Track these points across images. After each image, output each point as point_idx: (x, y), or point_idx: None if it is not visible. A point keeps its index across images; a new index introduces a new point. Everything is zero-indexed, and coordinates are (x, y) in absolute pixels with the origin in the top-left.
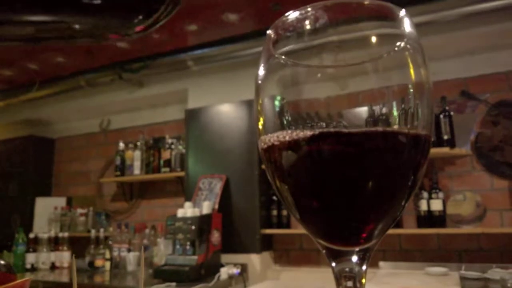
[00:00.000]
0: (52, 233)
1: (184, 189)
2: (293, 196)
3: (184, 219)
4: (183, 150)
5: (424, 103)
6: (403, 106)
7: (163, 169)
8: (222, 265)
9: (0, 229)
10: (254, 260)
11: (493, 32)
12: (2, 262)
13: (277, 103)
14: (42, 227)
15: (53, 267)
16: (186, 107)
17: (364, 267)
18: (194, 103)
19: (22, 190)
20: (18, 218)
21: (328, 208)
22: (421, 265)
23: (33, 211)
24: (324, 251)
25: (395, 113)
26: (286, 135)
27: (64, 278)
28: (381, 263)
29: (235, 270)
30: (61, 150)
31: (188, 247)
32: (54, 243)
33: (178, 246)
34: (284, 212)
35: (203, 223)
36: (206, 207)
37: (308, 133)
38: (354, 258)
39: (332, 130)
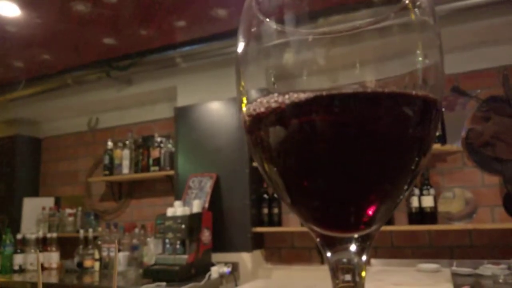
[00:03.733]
0: (40, 234)
1: (174, 188)
2: (283, 176)
3: (174, 218)
4: (173, 149)
5: (433, 64)
6: (411, 67)
7: (152, 168)
8: (213, 264)
9: None
10: (245, 258)
11: (484, 28)
12: None
13: (264, 75)
14: (30, 227)
15: (41, 268)
16: (175, 105)
17: (364, 258)
18: (183, 100)
19: (9, 190)
20: (6, 218)
21: (324, 187)
22: (412, 262)
23: (20, 212)
24: (318, 240)
25: (402, 74)
26: (273, 100)
27: (53, 279)
28: (372, 260)
29: (226, 269)
30: (48, 150)
31: (178, 246)
32: (43, 244)
33: (168, 246)
34: (275, 210)
35: (193, 222)
36: (196, 206)
37: (302, 95)
38: (353, 247)
39: (330, 92)
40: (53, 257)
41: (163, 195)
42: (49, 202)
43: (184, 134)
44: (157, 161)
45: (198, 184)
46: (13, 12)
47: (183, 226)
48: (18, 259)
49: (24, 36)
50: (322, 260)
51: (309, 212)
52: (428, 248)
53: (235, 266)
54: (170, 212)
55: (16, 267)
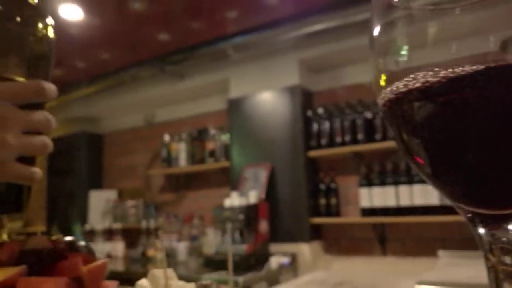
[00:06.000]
0: (106, 225)
1: (229, 179)
2: (437, 153)
3: (232, 209)
4: (227, 141)
5: None
6: None
7: (207, 160)
8: (271, 255)
9: (59, 223)
10: (304, 249)
11: None
12: (83, 243)
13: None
14: (97, 219)
15: (108, 256)
16: (228, 97)
17: None
18: (236, 92)
19: (77, 184)
20: (75, 211)
21: (485, 162)
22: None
23: (87, 205)
24: (468, 216)
25: None
26: (428, 76)
27: (119, 268)
28: (440, 252)
29: (285, 260)
30: (109, 145)
31: (236, 236)
32: (108, 234)
33: (226, 236)
34: (333, 201)
35: (250, 212)
36: (252, 197)
37: (467, 69)
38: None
39: (494, 65)
40: (118, 247)
41: (218, 186)
42: (112, 194)
43: (237, 125)
44: (212, 153)
45: (253, 174)
46: (77, 15)
47: (241, 216)
48: None
49: (86, 38)
50: (384, 251)
51: (460, 189)
52: None
53: (293, 257)
54: (227, 203)
55: None
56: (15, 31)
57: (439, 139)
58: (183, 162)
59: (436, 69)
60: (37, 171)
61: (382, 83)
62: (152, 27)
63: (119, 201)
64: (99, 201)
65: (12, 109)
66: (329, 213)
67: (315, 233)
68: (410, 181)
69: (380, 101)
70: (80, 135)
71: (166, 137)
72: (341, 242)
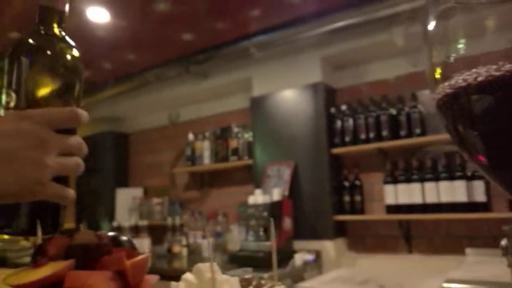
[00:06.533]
0: (133, 222)
1: (252, 177)
2: (499, 146)
3: (256, 206)
4: (250, 138)
5: None
6: None
7: (231, 158)
8: (295, 252)
9: (87, 220)
10: (328, 246)
11: None
12: (125, 238)
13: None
14: (123, 216)
15: None
16: (250, 95)
17: None
18: (258, 90)
19: (104, 183)
20: (102, 209)
21: None
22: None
23: (114, 202)
24: None
25: None
26: (492, 70)
27: None
28: (468, 250)
29: (309, 257)
30: (135, 144)
31: (261, 233)
32: (135, 231)
33: (251, 233)
34: (357, 198)
35: (274, 209)
36: (276, 194)
37: None
38: None
39: None
40: (145, 243)
41: (242, 184)
42: (138, 192)
43: (260, 123)
44: (235, 151)
45: (277, 172)
46: (103, 17)
47: (264, 213)
48: None
49: (112, 39)
50: (410, 249)
51: None
52: None
53: (318, 254)
54: (251, 200)
55: None
56: (48, 64)
57: (506, 132)
58: (206, 160)
59: (500, 62)
60: (72, 191)
61: (437, 76)
62: (176, 28)
63: (145, 199)
64: (126, 199)
65: (50, 133)
66: (353, 210)
67: (339, 231)
68: (437, 178)
69: (436, 95)
70: (106, 135)
71: (190, 136)
72: (366, 239)
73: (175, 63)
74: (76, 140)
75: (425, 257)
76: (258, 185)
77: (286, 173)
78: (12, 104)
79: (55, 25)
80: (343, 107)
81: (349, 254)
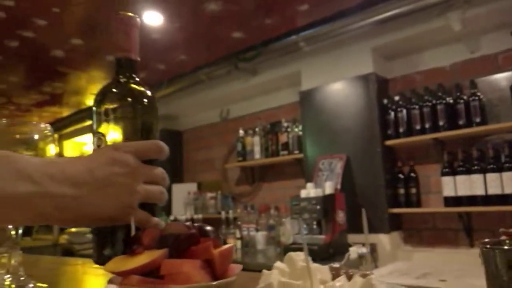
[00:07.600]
0: (188, 215)
1: (303, 171)
2: None
3: (308, 199)
4: (300, 132)
5: None
6: None
7: (281, 152)
8: (349, 245)
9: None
10: (383, 240)
11: None
12: (210, 228)
13: None
14: (179, 210)
15: None
16: (299, 89)
17: None
18: (307, 84)
19: None
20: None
21: None
22: None
23: (170, 197)
24: None
25: None
26: None
27: None
28: None
29: (365, 250)
30: (188, 141)
31: (314, 226)
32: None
33: (304, 226)
34: (413, 190)
35: (327, 203)
36: (328, 187)
37: None
38: None
39: None
40: None
41: (293, 177)
42: (192, 187)
43: (310, 117)
44: (285, 146)
45: (328, 165)
46: (157, 20)
47: (318, 207)
48: None
49: (166, 41)
50: (471, 243)
51: None
52: None
53: (373, 247)
54: (303, 193)
55: None
56: (130, 109)
57: None
58: (257, 155)
59: None
60: (156, 219)
61: None
62: (226, 26)
63: (199, 193)
64: (181, 193)
65: (140, 163)
66: (408, 203)
67: (395, 224)
68: (500, 168)
69: None
70: (161, 132)
71: (241, 132)
72: (422, 232)
73: (225, 61)
74: (160, 170)
75: None
76: (309, 179)
77: (338, 166)
78: (102, 146)
79: (131, 73)
80: (396, 98)
81: (405, 248)
